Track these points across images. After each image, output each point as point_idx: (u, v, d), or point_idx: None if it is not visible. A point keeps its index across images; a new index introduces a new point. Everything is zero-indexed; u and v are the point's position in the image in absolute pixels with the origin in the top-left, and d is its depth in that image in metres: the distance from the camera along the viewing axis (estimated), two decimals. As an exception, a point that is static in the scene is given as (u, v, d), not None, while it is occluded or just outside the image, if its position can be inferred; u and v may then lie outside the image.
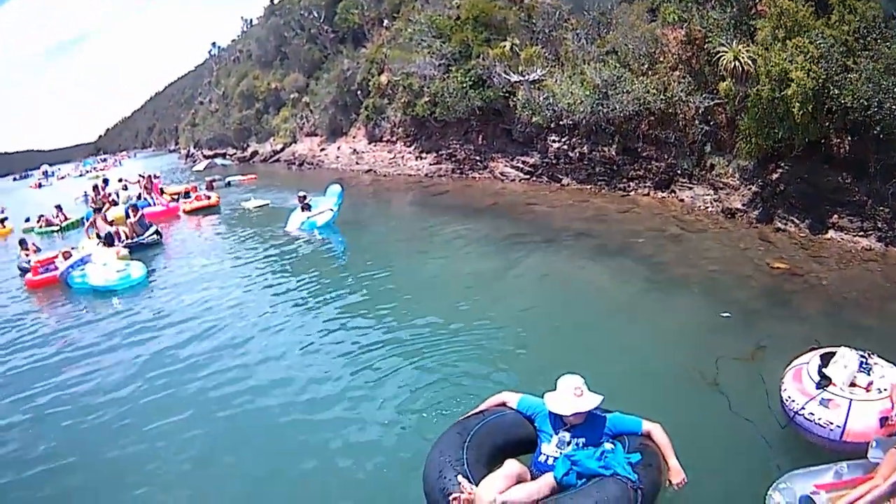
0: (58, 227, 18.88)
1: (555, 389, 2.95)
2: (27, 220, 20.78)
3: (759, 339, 4.47)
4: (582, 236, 7.81)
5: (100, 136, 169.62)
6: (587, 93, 9.66)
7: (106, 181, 21.56)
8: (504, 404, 3.17)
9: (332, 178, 18.12)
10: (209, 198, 15.96)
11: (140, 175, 21.67)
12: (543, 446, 2.97)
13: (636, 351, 4.52)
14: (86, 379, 5.53)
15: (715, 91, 7.95)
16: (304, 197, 10.82)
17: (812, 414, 3.19)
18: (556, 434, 2.94)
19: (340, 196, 10.18)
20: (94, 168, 57.70)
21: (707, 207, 7.97)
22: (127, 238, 12.24)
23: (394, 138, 17.11)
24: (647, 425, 2.94)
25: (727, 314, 5.03)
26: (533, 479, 2.80)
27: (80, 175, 55.35)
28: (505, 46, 11.94)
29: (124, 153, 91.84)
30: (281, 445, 3.92)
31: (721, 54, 7.56)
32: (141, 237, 12.26)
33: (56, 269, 10.93)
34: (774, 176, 7.12)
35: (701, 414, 3.64)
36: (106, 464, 4.03)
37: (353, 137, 20.06)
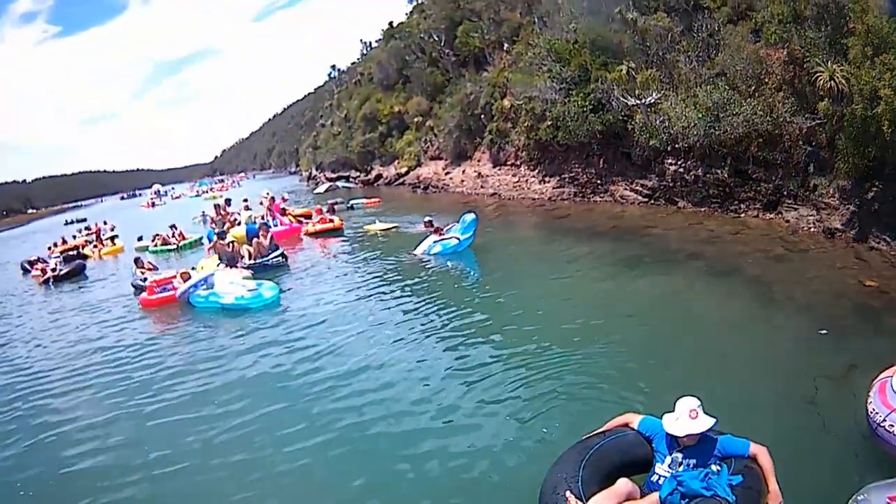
0: (174, 246, 21.86)
1: (673, 411, 3.58)
2: (140, 238, 24.34)
3: (853, 355, 5.56)
4: (694, 258, 9.74)
5: (216, 157, 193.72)
6: (700, 115, 11.77)
7: (228, 201, 24.53)
8: (627, 425, 3.86)
9: (457, 202, 21.53)
10: (332, 220, 18.50)
11: (265, 195, 24.46)
12: (657, 466, 3.59)
13: (739, 368, 5.75)
14: (216, 392, 6.90)
15: (815, 111, 9.79)
16: (431, 222, 12.93)
17: (892, 426, 3.71)
18: (670, 454, 3.56)
19: (474, 223, 11.99)
20: (211, 188, 67.28)
21: (809, 228, 9.79)
22: (250, 258, 13.95)
23: (518, 162, 20.02)
24: (753, 448, 3.49)
25: (824, 331, 6.20)
26: (642, 497, 3.38)
27: (196, 195, 64.51)
28: (621, 70, 14.36)
29: (242, 174, 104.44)
30: (403, 454, 4.96)
31: (818, 74, 9.46)
32: (265, 258, 14.01)
33: (173, 288, 12.48)
34: (870, 195, 8.84)
35: (794, 429, 4.52)
36: (214, 469, 5.20)
37: (478, 161, 23.34)
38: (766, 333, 6.51)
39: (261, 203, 22.22)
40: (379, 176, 35.25)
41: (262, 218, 19.62)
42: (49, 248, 26.45)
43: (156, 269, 15.41)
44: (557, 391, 5.57)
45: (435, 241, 12.40)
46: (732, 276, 8.55)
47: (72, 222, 55.91)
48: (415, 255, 12.53)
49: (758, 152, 10.90)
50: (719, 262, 9.32)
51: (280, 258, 14.07)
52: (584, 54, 15.91)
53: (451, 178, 25.45)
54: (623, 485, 3.47)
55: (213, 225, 21.68)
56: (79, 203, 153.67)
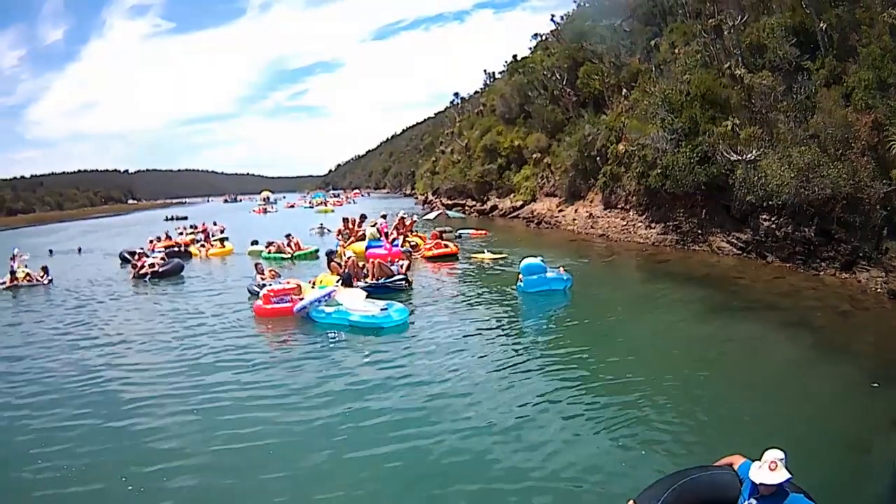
0: (289, 256, 23.12)
1: (759, 459, 4.08)
2: (254, 242, 25.79)
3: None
4: (772, 308, 11.52)
5: (329, 171, 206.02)
6: (792, 175, 13.54)
7: (363, 217, 25.87)
8: (731, 465, 4.45)
9: (567, 240, 23.94)
10: (448, 246, 20.55)
11: (401, 217, 25.67)
12: None
13: (797, 408, 6.99)
14: (325, 410, 7.63)
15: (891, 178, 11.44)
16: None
17: None
18: (748, 500, 4.08)
19: (570, 281, 13.61)
20: (326, 202, 71.88)
21: (876, 288, 11.36)
22: (372, 278, 14.85)
23: (627, 206, 22.13)
24: None
25: (876, 384, 7.43)
26: None
27: (310, 206, 69.64)
28: (727, 125, 16.29)
29: (357, 191, 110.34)
30: (500, 483, 5.69)
31: (892, 142, 11.17)
32: (388, 279, 14.93)
33: (292, 301, 13.00)
34: (932, 262, 10.42)
35: (838, 473, 5.44)
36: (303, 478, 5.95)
37: (590, 202, 25.62)
38: (824, 381, 7.92)
39: (374, 224, 23.21)
40: (494, 207, 38.21)
41: (386, 237, 21.60)
42: (150, 242, 28.12)
43: (278, 276, 16.29)
44: (643, 423, 6.68)
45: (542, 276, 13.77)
46: (801, 328, 10.18)
47: (172, 219, 60.50)
48: (521, 288, 13.77)
49: (841, 214, 12.54)
50: (793, 313, 11.02)
51: (403, 283, 14.98)
52: (695, 107, 17.91)
53: (563, 216, 27.83)
54: None
55: (340, 237, 24.25)
56: (183, 200, 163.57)
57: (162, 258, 21.56)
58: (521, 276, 13.86)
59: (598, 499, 5.34)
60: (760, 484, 4.00)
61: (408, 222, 24.20)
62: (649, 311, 12.38)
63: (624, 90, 24.78)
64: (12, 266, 21.57)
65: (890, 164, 11.63)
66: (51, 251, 31.66)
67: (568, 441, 6.44)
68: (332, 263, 15.57)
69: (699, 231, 17.77)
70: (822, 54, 14.64)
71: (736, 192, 15.48)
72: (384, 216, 26.10)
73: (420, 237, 22.63)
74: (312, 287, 13.89)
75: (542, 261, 14.25)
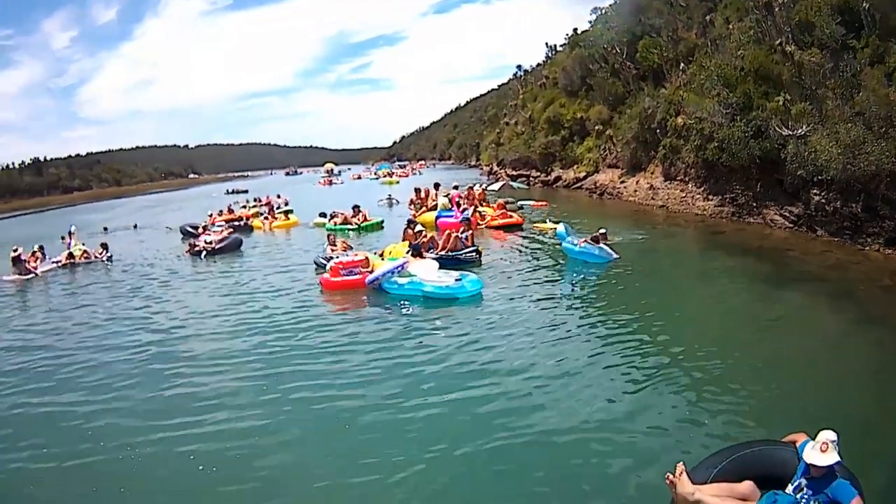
0: (356, 227, 23.24)
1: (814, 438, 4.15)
2: (322, 214, 25.54)
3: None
4: (819, 280, 12.03)
5: (394, 143, 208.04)
6: (839, 151, 13.89)
7: (437, 185, 25.79)
8: (794, 442, 4.48)
9: (628, 210, 24.56)
10: (512, 216, 20.94)
11: (470, 186, 26.46)
12: (788, 486, 4.20)
13: (837, 379, 7.33)
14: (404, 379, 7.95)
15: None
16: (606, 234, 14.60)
17: None
18: (799, 479, 4.14)
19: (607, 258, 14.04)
20: (392, 173, 72.69)
21: (919, 265, 11.79)
22: (442, 249, 14.87)
23: (686, 178, 22.50)
24: (855, 502, 3.90)
25: None
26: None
27: (376, 178, 70.22)
28: (779, 101, 16.59)
29: (423, 162, 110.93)
30: (547, 455, 5.93)
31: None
32: (458, 252, 14.91)
33: (360, 273, 13.02)
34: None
35: (876, 449, 5.45)
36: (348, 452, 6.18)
37: (651, 173, 26.00)
38: (867, 353, 8.14)
39: (446, 195, 23.81)
40: (558, 178, 38.64)
41: (457, 207, 21.92)
42: (210, 216, 28.02)
43: (350, 248, 16.25)
44: (696, 394, 6.96)
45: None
46: (844, 300, 10.66)
47: (233, 192, 61.66)
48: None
49: (885, 191, 12.90)
50: (837, 286, 11.53)
51: (474, 254, 14.93)
52: (749, 82, 18.15)
53: (625, 187, 28.26)
54: (745, 486, 4.33)
55: (412, 207, 24.52)
56: (245, 173, 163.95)
57: (224, 233, 21.64)
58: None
59: (651, 467, 5.47)
60: (811, 465, 4.05)
61: (478, 192, 24.29)
62: (705, 280, 13.15)
63: (681, 64, 24.90)
64: (69, 243, 21.81)
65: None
66: (105, 228, 31.53)
67: (625, 409, 6.75)
68: (408, 231, 15.83)
69: (754, 204, 18.14)
70: (866, 33, 14.73)
71: (788, 166, 15.81)
72: (456, 186, 26.54)
73: (491, 207, 22.60)
74: (381, 259, 14.09)
75: (566, 230, 15.32)
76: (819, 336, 9.05)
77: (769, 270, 13.04)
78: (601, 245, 14.41)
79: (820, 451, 4.02)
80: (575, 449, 6.02)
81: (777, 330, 9.40)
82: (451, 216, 20.90)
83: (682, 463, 4.52)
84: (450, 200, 23.02)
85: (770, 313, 10.28)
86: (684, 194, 22.41)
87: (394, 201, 33.24)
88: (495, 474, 5.74)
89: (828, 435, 4.08)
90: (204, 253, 19.83)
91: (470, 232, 15.86)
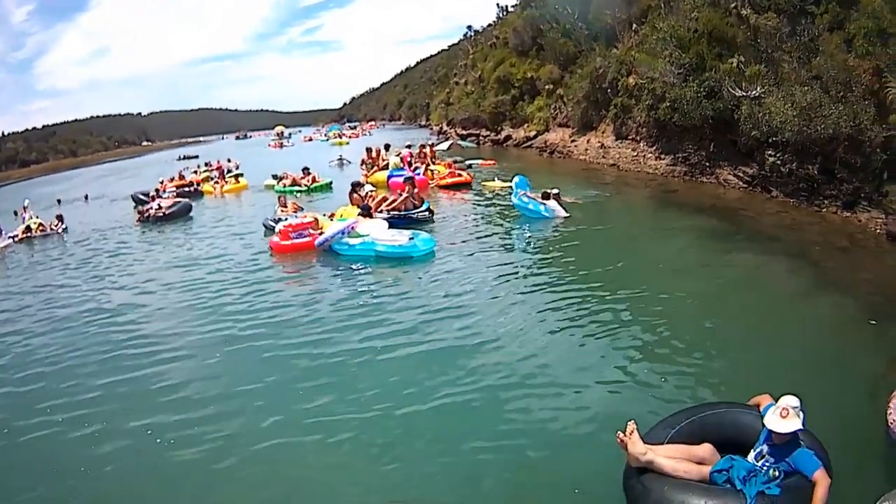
0: (305, 188, 22.87)
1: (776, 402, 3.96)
2: (274, 176, 25.41)
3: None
4: (773, 240, 11.98)
5: (344, 104, 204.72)
6: (795, 113, 13.95)
7: (387, 146, 25.93)
8: (758, 405, 4.25)
9: (578, 169, 24.57)
10: (461, 175, 21.03)
11: (421, 145, 25.86)
12: (750, 452, 4.02)
13: (790, 342, 7.02)
14: (361, 341, 7.79)
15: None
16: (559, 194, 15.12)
17: None
18: (762, 445, 3.95)
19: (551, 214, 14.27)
20: (342, 134, 71.40)
21: (876, 229, 11.84)
22: (394, 208, 14.74)
23: (638, 137, 22.51)
24: (818, 474, 3.66)
25: (874, 322, 7.31)
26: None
27: (326, 139, 69.17)
28: (733, 63, 16.55)
29: (373, 123, 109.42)
30: (512, 410, 5.89)
31: (889, 88, 11.60)
32: (410, 211, 14.80)
33: (310, 235, 12.76)
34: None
35: (823, 419, 4.54)
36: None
37: (602, 132, 25.97)
38: (823, 314, 8.01)
39: (397, 154, 23.75)
40: (508, 137, 38.53)
41: (409, 166, 21.82)
42: (161, 182, 26.82)
43: (301, 209, 16.09)
44: (650, 355, 6.83)
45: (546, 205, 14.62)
46: (802, 261, 10.53)
47: (184, 158, 60.14)
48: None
49: (843, 154, 12.98)
50: (793, 246, 11.47)
51: (426, 213, 14.93)
52: (702, 44, 18.05)
53: (575, 146, 28.21)
54: (703, 449, 4.15)
55: (363, 167, 24.33)
56: (198, 139, 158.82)
57: (173, 200, 21.30)
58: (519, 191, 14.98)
59: (601, 428, 5.31)
60: (771, 431, 3.88)
61: (429, 151, 24.37)
62: (658, 239, 13.05)
63: (634, 25, 24.69)
64: (23, 217, 21.29)
65: (889, 109, 11.92)
66: (59, 200, 30.16)
67: (577, 367, 6.70)
68: (354, 195, 15.52)
69: (707, 164, 18.24)
70: (826, 0, 14.73)
71: (741, 126, 15.84)
72: (409, 146, 26.71)
73: (443, 165, 22.69)
74: (331, 220, 13.71)
75: (523, 183, 15.55)
76: (775, 295, 8.99)
77: (724, 229, 13.03)
78: (551, 202, 14.50)
79: (780, 416, 3.85)
80: (525, 408, 5.97)
81: (733, 289, 9.36)
82: (402, 175, 20.36)
83: (632, 421, 4.23)
84: (402, 160, 22.87)
85: (725, 272, 10.25)
86: (636, 153, 22.44)
87: (345, 162, 32.73)
88: (438, 435, 5.68)
89: (788, 400, 3.91)
90: (152, 219, 19.58)
91: (415, 190, 15.78)
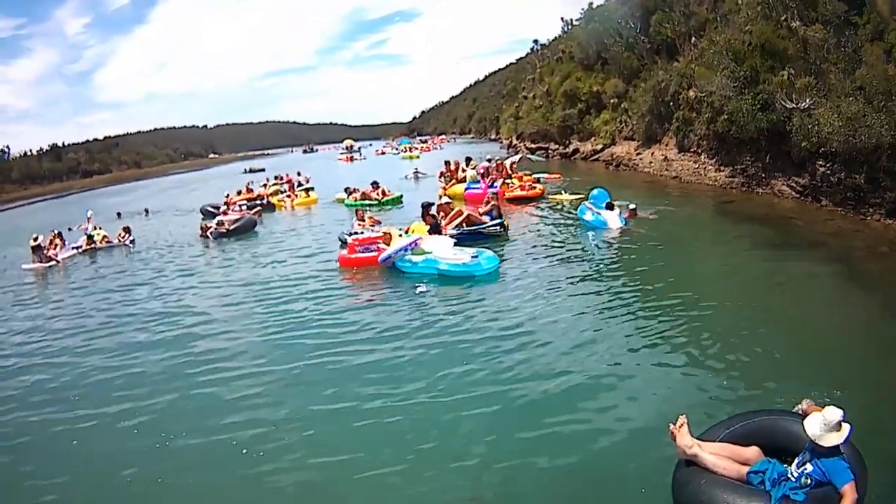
0: (376, 202, 22.96)
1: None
2: (346, 190, 25.46)
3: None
4: (818, 246, 12.58)
5: (414, 118, 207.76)
6: (840, 124, 14.43)
7: (468, 159, 25.96)
8: (806, 414, 4.24)
9: (643, 181, 25.20)
10: (535, 188, 21.41)
11: (498, 160, 25.99)
12: (796, 458, 4.12)
13: (833, 348, 7.41)
14: (419, 357, 8.03)
15: (929, 132, 12.32)
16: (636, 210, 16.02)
17: None
18: (805, 453, 4.04)
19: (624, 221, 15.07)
20: (412, 148, 72.37)
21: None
22: (466, 225, 14.56)
23: (699, 150, 23.00)
24: (847, 488, 3.73)
25: None
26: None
27: (397, 153, 69.95)
28: (784, 75, 17.08)
29: (444, 137, 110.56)
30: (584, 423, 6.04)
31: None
32: (481, 226, 14.61)
33: (378, 250, 12.67)
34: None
35: (867, 422, 4.83)
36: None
37: (665, 145, 26.50)
38: (864, 315, 8.51)
39: (473, 168, 23.81)
40: (576, 150, 39.18)
41: (484, 179, 22.16)
42: (227, 196, 26.43)
43: (378, 223, 16.29)
44: (710, 359, 7.16)
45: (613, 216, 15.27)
46: (845, 264, 11.16)
47: (250, 171, 61.19)
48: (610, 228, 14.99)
49: (887, 163, 13.40)
50: (836, 252, 12.11)
51: (498, 228, 14.71)
52: (756, 56, 18.58)
53: (640, 159, 28.78)
54: (750, 451, 4.30)
55: (441, 179, 25.05)
56: (265, 151, 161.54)
57: (238, 215, 21.22)
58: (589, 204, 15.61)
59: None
60: (811, 439, 3.94)
61: (508, 165, 24.36)
62: (715, 249, 13.68)
63: (693, 38, 25.22)
64: (86, 228, 21.43)
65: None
66: (119, 214, 30.38)
67: (639, 373, 7.01)
68: (428, 216, 15.10)
69: (763, 175, 18.67)
70: (868, 10, 15.09)
71: (793, 138, 16.32)
72: (489, 159, 26.79)
73: (517, 178, 22.98)
74: (401, 236, 13.49)
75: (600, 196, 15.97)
76: (820, 298, 9.41)
77: (775, 238, 13.49)
78: (608, 213, 15.27)
79: (821, 428, 3.90)
80: (592, 409, 6.28)
81: (781, 294, 9.78)
82: (479, 188, 21.26)
83: (683, 415, 4.57)
84: (477, 172, 23.23)
85: (776, 277, 10.68)
86: (697, 165, 22.94)
87: (419, 175, 33.54)
88: (507, 435, 5.94)
89: (831, 413, 3.93)
90: (214, 236, 19.43)
91: (493, 204, 15.82)
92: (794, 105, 16.26)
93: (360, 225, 16.15)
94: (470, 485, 5.31)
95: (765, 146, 18.49)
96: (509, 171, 23.68)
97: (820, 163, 15.67)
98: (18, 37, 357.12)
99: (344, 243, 14.30)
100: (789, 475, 4.05)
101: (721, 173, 21.05)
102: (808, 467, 3.95)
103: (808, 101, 15.88)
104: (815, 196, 16.07)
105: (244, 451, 6.13)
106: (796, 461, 4.10)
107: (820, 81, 15.94)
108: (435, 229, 13.85)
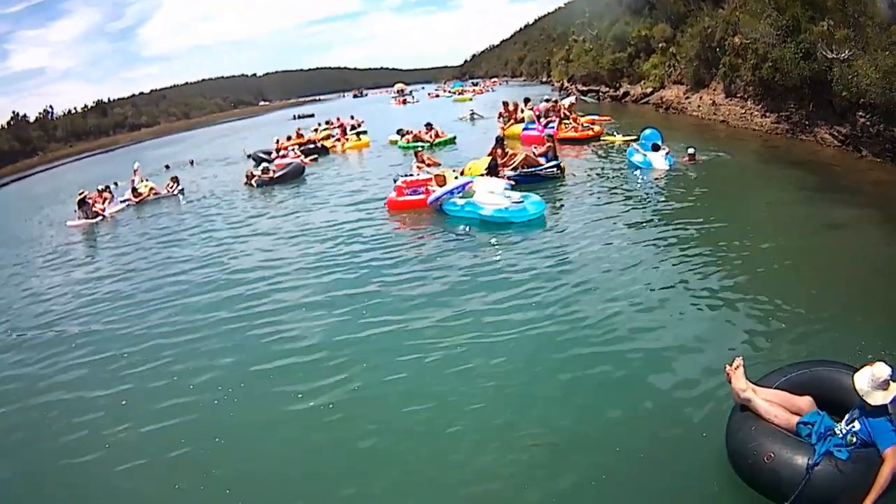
0: (428, 144, 22.90)
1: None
2: (399, 132, 25.69)
3: None
4: (857, 194, 13.28)
5: (465, 61, 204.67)
6: (878, 76, 15.14)
7: (527, 100, 25.97)
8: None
9: (693, 125, 25.95)
10: (592, 128, 21.59)
11: (555, 100, 25.60)
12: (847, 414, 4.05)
13: (868, 298, 7.27)
14: (455, 310, 7.94)
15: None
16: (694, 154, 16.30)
17: None
18: (854, 409, 3.97)
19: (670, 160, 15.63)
20: (464, 90, 72.76)
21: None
22: (523, 166, 14.37)
23: (745, 96, 23.57)
24: (890, 451, 3.61)
25: None
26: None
27: (449, 96, 70.27)
28: (824, 26, 17.65)
29: (496, 79, 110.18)
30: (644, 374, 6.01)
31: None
32: (536, 168, 14.37)
33: (426, 192, 12.44)
34: None
35: None
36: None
37: (713, 90, 27.00)
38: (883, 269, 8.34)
39: (530, 109, 23.89)
40: (626, 93, 39.50)
41: (538, 120, 22.26)
42: (277, 142, 26.77)
43: (437, 164, 16.30)
44: (760, 308, 7.13)
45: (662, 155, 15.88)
46: (882, 211, 11.63)
47: (299, 117, 61.30)
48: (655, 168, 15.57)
49: (926, 117, 14.12)
50: (874, 200, 12.76)
51: (555, 170, 14.55)
52: (797, 6, 19.10)
53: (689, 103, 29.31)
54: (803, 400, 4.24)
55: (500, 119, 25.57)
56: (316, 97, 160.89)
57: (286, 161, 21.29)
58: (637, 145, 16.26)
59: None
60: (861, 398, 3.86)
61: (566, 105, 24.19)
62: (762, 192, 13.92)
63: (737, -15, 25.41)
64: (133, 182, 21.15)
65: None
66: (167, 166, 30.18)
67: (691, 325, 6.98)
68: (496, 150, 15.13)
69: (806, 122, 19.33)
70: (902, -36, 15.54)
71: (834, 87, 17.03)
72: (546, 100, 26.66)
73: (582, 120, 23.14)
74: (456, 178, 13.30)
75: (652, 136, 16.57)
76: (863, 249, 9.43)
77: (816, 184, 14.22)
78: (654, 154, 16.07)
79: (869, 384, 3.82)
80: (645, 361, 6.30)
81: (830, 240, 9.96)
82: (536, 129, 21.70)
83: (740, 357, 4.60)
84: (534, 114, 23.38)
85: (821, 223, 10.88)
86: (744, 111, 23.58)
87: (476, 116, 34.10)
88: (568, 388, 5.98)
89: (880, 369, 3.83)
90: (260, 183, 19.28)
91: (549, 146, 15.74)
92: (834, 55, 16.91)
93: (418, 167, 16.07)
94: (534, 429, 5.41)
95: (808, 94, 19.11)
96: (567, 112, 23.61)
97: (860, 113, 16.37)
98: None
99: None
100: (836, 431, 3.99)
101: (767, 119, 21.73)
102: (856, 425, 3.88)
103: (846, 52, 16.52)
104: (855, 146, 16.82)
105: (315, 404, 6.15)
106: (846, 417, 4.05)
107: (858, 34, 16.51)
108: (493, 170, 13.76)
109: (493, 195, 11.63)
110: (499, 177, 13.58)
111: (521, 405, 5.76)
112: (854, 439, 3.84)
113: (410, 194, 12.84)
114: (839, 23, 17.21)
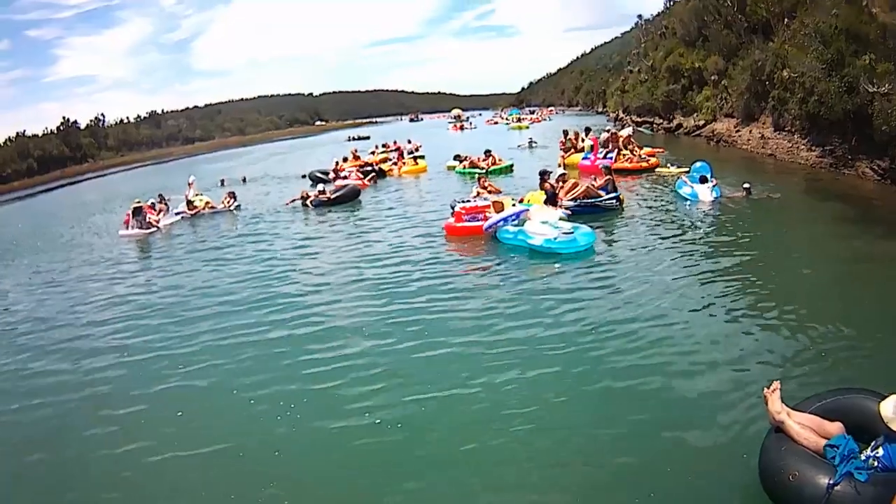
0: (484, 171, 22.34)
1: None
2: (456, 157, 25.56)
3: None
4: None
5: (522, 89, 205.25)
6: (917, 110, 15.17)
7: (588, 129, 25.60)
8: None
9: (741, 158, 25.90)
10: (649, 160, 21.50)
11: (615, 131, 24.90)
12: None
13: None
14: (497, 338, 7.91)
15: None
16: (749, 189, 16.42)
17: None
18: (883, 434, 4.01)
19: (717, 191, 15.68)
20: (522, 118, 73.13)
21: None
22: (584, 196, 14.23)
23: (793, 129, 23.48)
24: None
25: None
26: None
27: (506, 123, 70.69)
28: (866, 60, 17.69)
29: (551, 108, 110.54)
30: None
31: None
32: (595, 199, 14.22)
33: (483, 219, 12.34)
34: None
35: None
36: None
37: (763, 123, 26.93)
38: None
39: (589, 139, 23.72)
40: (679, 125, 39.57)
41: (603, 152, 21.91)
42: (336, 163, 26.76)
43: (499, 192, 16.30)
44: (801, 336, 7.16)
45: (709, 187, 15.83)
46: None
47: (355, 139, 61.93)
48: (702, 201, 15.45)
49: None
50: None
51: (614, 202, 14.43)
52: (841, 40, 19.14)
53: (739, 136, 29.22)
54: (833, 426, 4.29)
55: (562, 146, 25.68)
56: (374, 119, 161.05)
57: (343, 183, 21.02)
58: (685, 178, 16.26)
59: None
60: (885, 424, 3.93)
61: (624, 136, 23.76)
62: (805, 226, 14.09)
63: (786, 19, 25.47)
64: (187, 195, 21.03)
65: None
66: (222, 181, 30.06)
67: (739, 350, 7.03)
68: (546, 184, 15.00)
69: (849, 156, 19.15)
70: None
71: (875, 121, 17.05)
72: (606, 130, 25.85)
73: (641, 152, 22.95)
74: (514, 205, 13.19)
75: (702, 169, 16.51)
76: (874, 271, 9.86)
77: (852, 215, 14.20)
78: (701, 186, 16.08)
79: (893, 410, 3.91)
80: (689, 385, 6.37)
81: (871, 274, 9.90)
82: (590, 160, 21.80)
83: (777, 381, 4.69)
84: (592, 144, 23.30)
85: (862, 257, 10.87)
86: (791, 144, 23.48)
87: (534, 144, 34.61)
88: (608, 419, 5.96)
89: None
90: (316, 203, 19.08)
91: (608, 178, 15.62)
92: (875, 89, 16.92)
93: (479, 193, 16.00)
94: (584, 450, 5.51)
95: (850, 128, 19.04)
96: (624, 145, 23.29)
97: (900, 146, 16.34)
98: (109, 7, 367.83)
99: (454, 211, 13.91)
100: (860, 455, 4.07)
101: (812, 153, 21.62)
102: (880, 451, 3.97)
103: (887, 86, 16.53)
104: (893, 179, 16.73)
105: (377, 420, 6.19)
106: (872, 444, 4.13)
107: (898, 67, 16.54)
108: (551, 199, 13.70)
109: (544, 225, 11.62)
110: (557, 206, 13.62)
111: (568, 428, 5.85)
112: (876, 463, 3.95)
113: (469, 220, 12.86)
114: (881, 56, 17.23)
